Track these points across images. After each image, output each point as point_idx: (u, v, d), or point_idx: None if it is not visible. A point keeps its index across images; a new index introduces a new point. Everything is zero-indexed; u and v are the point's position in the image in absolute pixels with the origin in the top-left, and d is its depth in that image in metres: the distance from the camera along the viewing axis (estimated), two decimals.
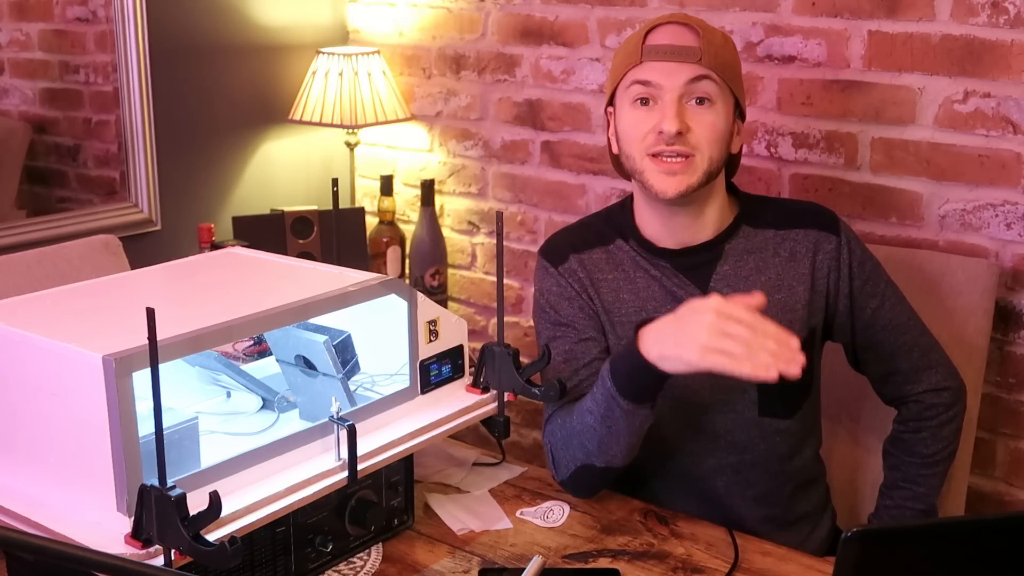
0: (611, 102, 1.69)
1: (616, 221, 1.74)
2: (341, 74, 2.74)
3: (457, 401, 1.56)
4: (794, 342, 1.40)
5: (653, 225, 1.69)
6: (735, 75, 1.65)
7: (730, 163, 1.71)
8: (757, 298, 1.44)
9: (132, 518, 1.19)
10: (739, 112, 1.68)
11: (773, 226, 1.70)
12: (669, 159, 1.60)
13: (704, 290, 1.66)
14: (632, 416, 1.53)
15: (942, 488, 1.76)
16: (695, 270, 1.68)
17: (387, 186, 2.82)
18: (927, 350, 1.73)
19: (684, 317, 1.46)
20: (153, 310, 1.11)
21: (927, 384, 1.72)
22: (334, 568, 1.47)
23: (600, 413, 1.55)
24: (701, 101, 1.60)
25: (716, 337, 1.41)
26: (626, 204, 1.74)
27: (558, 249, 1.74)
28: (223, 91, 2.78)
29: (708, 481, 1.70)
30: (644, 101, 1.62)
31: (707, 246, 1.68)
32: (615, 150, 1.70)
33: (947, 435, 1.73)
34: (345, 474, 1.37)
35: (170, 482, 1.16)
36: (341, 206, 2.67)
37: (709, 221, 1.68)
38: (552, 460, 1.66)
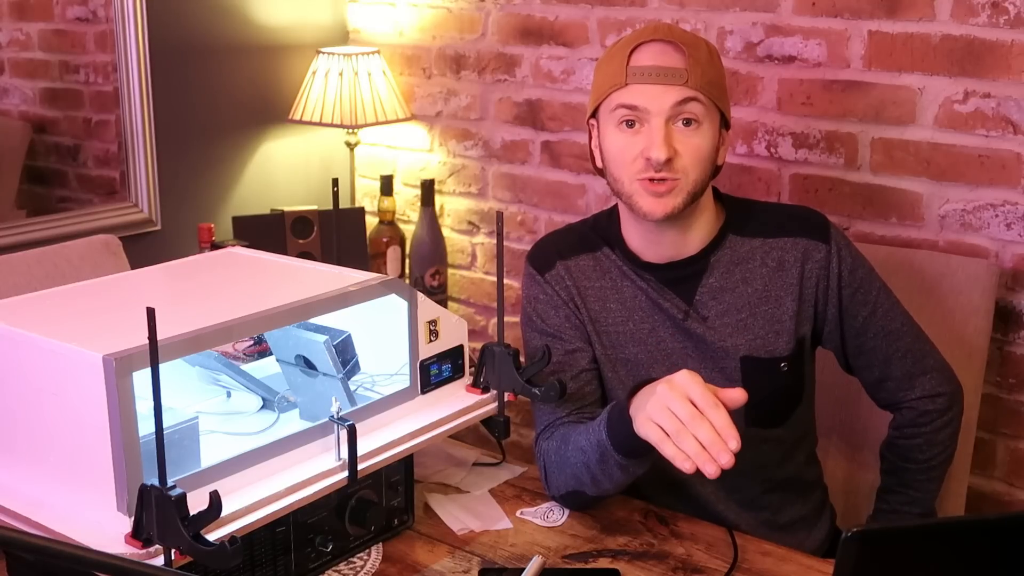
0: (594, 114, 1.66)
1: (603, 230, 1.72)
2: (341, 74, 2.74)
3: (457, 401, 1.56)
4: (733, 443, 1.34)
5: (639, 240, 1.68)
6: (721, 90, 1.62)
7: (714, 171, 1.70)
8: (737, 393, 1.40)
9: (132, 518, 1.19)
10: (724, 122, 1.64)
11: (761, 234, 1.67)
12: (656, 182, 1.58)
13: (689, 302, 1.66)
14: (626, 467, 1.51)
15: (939, 492, 1.76)
16: (681, 283, 1.66)
17: (387, 186, 2.82)
18: (921, 356, 1.72)
19: (658, 383, 1.42)
20: (153, 310, 1.11)
21: (921, 390, 1.71)
22: (334, 568, 1.47)
23: (595, 459, 1.53)
24: (688, 122, 1.57)
25: (657, 409, 1.38)
26: (613, 214, 1.72)
27: (544, 255, 1.73)
28: (223, 91, 2.78)
29: (697, 488, 1.69)
30: (630, 123, 1.59)
31: (692, 259, 1.66)
32: (599, 164, 1.68)
33: (943, 440, 1.72)
34: (345, 474, 1.37)
35: (170, 482, 1.16)
36: (341, 206, 2.67)
37: (695, 235, 1.66)
38: (544, 475, 1.65)
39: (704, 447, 1.34)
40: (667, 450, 1.37)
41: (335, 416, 1.38)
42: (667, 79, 1.56)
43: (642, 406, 1.42)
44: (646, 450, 1.45)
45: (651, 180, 1.58)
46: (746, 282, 1.66)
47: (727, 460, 1.34)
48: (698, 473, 1.68)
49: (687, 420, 1.36)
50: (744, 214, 1.70)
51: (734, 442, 1.34)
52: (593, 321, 1.68)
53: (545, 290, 1.70)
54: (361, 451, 1.38)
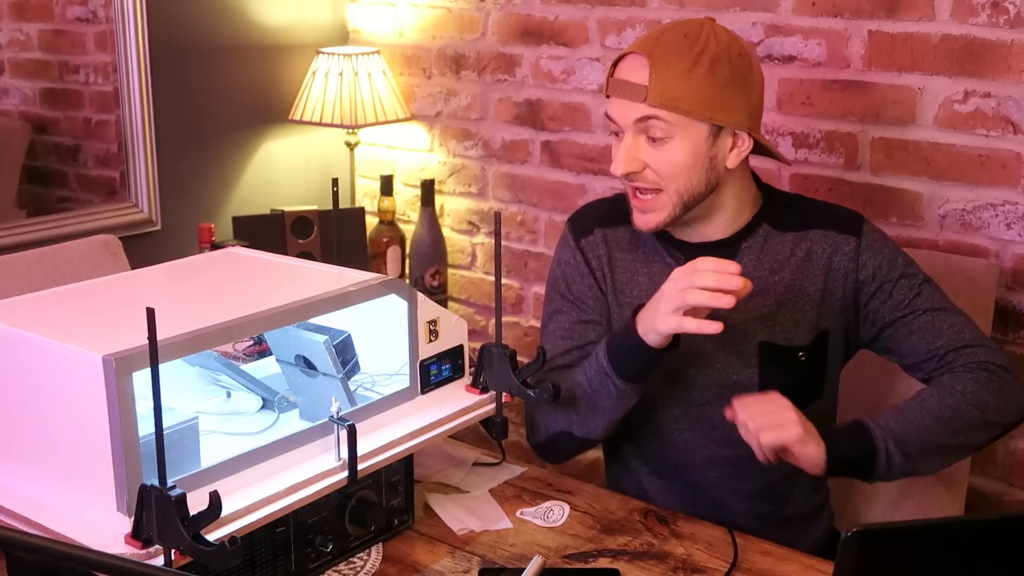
0: None
1: None
2: (341, 74, 2.74)
3: (457, 401, 1.56)
4: (732, 267, 1.45)
5: None
6: (703, 102, 1.56)
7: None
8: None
9: (132, 518, 1.19)
10: (729, 127, 1.60)
11: (794, 228, 1.68)
12: (641, 196, 1.62)
13: None
14: (624, 395, 1.58)
15: (949, 433, 1.60)
16: None
17: (387, 186, 2.82)
18: (971, 327, 1.64)
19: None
20: (153, 310, 1.11)
21: (974, 356, 1.61)
22: (334, 568, 1.47)
23: (592, 389, 1.58)
24: (655, 138, 1.59)
25: (671, 304, 1.48)
26: None
27: (585, 220, 1.76)
28: (223, 91, 2.78)
29: (700, 471, 1.70)
30: (617, 134, 1.63)
31: (723, 243, 1.68)
32: None
33: (979, 379, 1.59)
34: (345, 474, 1.37)
35: (170, 482, 1.16)
36: (341, 206, 2.67)
37: (720, 224, 1.67)
38: (530, 422, 1.68)
39: (713, 288, 1.44)
40: (688, 325, 1.47)
41: (335, 416, 1.38)
42: (628, 94, 1.59)
43: (651, 317, 1.51)
44: (644, 374, 1.57)
45: (637, 195, 1.62)
46: (774, 272, 1.67)
47: (736, 283, 1.43)
48: (705, 458, 1.69)
49: (688, 284, 1.46)
50: (784, 207, 1.70)
51: (732, 266, 1.45)
52: (617, 291, 1.71)
53: (576, 256, 1.73)
54: (361, 451, 1.38)
